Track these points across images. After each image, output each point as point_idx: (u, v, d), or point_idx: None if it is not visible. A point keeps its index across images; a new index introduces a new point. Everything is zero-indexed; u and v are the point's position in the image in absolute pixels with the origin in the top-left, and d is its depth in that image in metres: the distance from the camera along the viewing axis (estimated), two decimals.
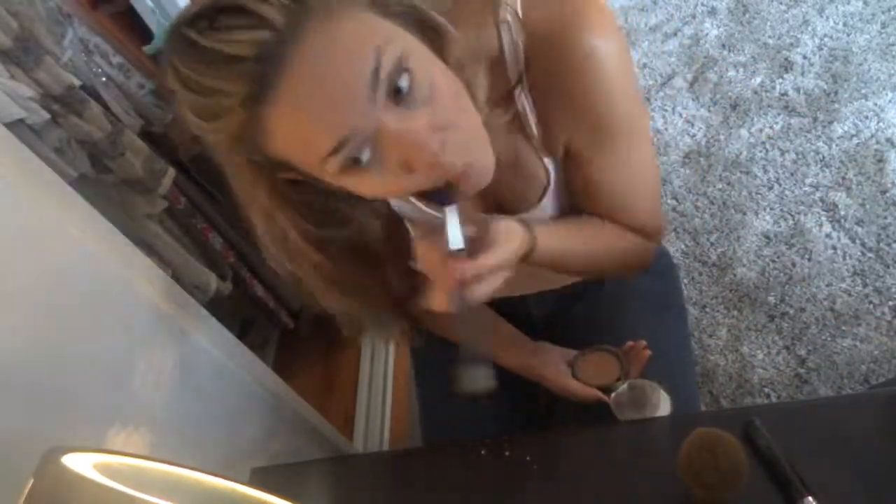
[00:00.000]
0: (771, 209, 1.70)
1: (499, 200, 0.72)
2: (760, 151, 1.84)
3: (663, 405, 0.75)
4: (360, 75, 0.45)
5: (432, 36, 0.52)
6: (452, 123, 0.51)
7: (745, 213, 1.71)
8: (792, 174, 1.75)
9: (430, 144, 0.49)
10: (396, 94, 0.47)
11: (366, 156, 0.48)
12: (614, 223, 0.73)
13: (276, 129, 0.47)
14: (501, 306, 0.88)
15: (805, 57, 2.02)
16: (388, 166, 0.50)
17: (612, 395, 0.76)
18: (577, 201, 0.73)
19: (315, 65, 0.44)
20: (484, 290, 0.57)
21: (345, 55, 0.45)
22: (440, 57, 0.52)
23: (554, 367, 0.82)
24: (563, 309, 0.94)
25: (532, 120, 0.64)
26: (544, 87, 0.62)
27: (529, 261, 0.64)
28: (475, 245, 0.57)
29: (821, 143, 1.79)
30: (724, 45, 2.17)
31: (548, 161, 0.68)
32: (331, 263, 0.65)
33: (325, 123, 0.46)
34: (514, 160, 0.67)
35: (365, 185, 0.52)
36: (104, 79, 1.27)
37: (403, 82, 0.47)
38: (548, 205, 0.72)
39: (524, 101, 0.63)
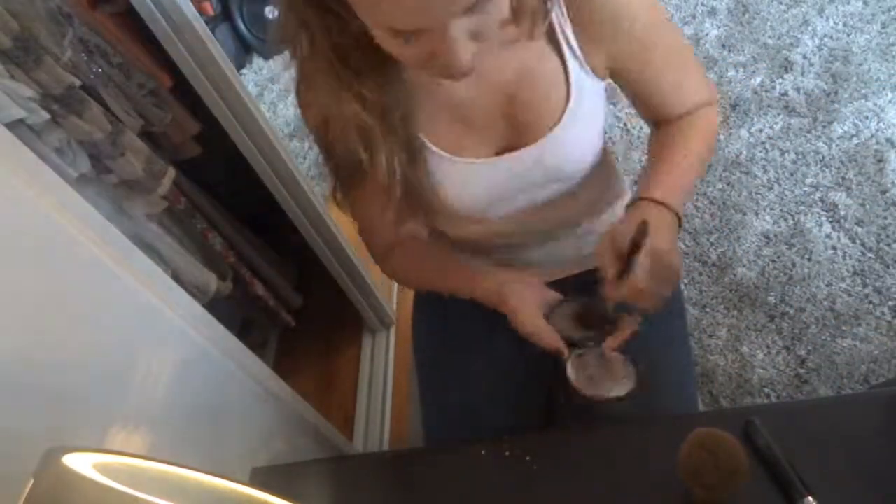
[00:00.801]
0: (771, 209, 1.70)
1: (512, 125, 0.73)
2: (760, 151, 1.84)
3: (622, 386, 0.69)
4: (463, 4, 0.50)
5: None
6: (488, 33, 0.55)
7: (745, 213, 1.71)
8: (792, 174, 1.75)
9: (462, 55, 0.53)
10: (469, 6, 0.50)
11: (414, 28, 0.52)
12: (687, 115, 0.79)
13: None
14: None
15: (805, 57, 2.02)
16: (418, 46, 0.54)
17: (574, 352, 0.70)
18: (641, 112, 0.81)
19: None
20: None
21: None
22: None
23: (530, 300, 0.76)
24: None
25: (570, 36, 0.68)
26: (581, 19, 0.67)
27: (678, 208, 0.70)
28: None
29: (821, 143, 1.79)
30: (724, 45, 2.17)
31: (583, 80, 0.71)
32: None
33: (406, 11, 0.50)
34: (535, 75, 0.70)
35: (384, 41, 0.55)
36: (104, 79, 1.27)
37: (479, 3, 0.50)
38: (569, 125, 0.73)
39: (559, 16, 0.67)
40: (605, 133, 0.81)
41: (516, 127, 0.73)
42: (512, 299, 0.75)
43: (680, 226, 0.71)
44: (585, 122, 0.74)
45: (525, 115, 0.72)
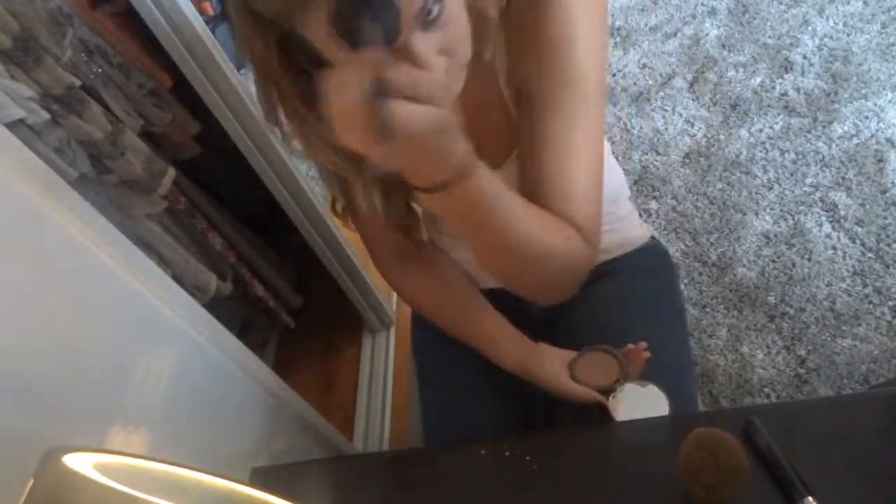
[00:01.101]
0: (771, 209, 1.70)
1: (481, 146, 0.70)
2: (760, 151, 1.84)
3: (661, 407, 0.75)
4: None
5: None
6: (456, 51, 0.53)
7: (745, 213, 1.71)
8: (792, 174, 1.75)
9: (437, 68, 0.51)
10: (425, 17, 0.49)
11: None
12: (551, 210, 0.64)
13: None
14: (500, 301, 0.88)
15: (805, 57, 2.02)
16: None
17: (611, 396, 0.76)
18: (520, 162, 0.68)
19: None
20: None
21: None
22: None
23: (551, 368, 0.82)
24: (562, 308, 0.94)
25: (501, 55, 0.65)
26: (514, 19, 0.63)
27: (463, 185, 0.53)
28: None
29: (821, 143, 1.79)
30: (724, 46, 2.17)
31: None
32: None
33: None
34: (483, 106, 0.68)
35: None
36: (104, 79, 1.27)
37: (435, 12, 0.49)
38: (513, 173, 0.69)
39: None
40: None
41: (482, 147, 0.69)
42: (539, 373, 0.81)
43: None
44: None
45: (492, 137, 0.70)
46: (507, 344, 0.84)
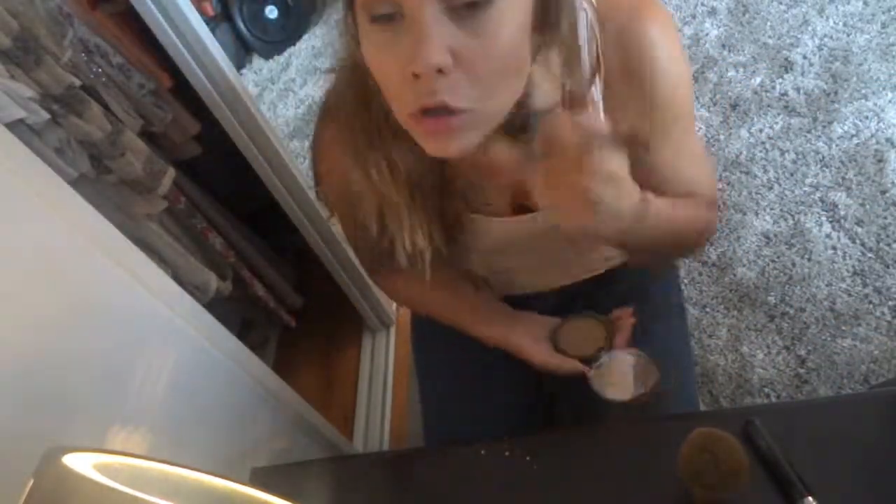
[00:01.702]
0: (771, 209, 1.70)
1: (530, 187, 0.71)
2: (760, 151, 1.84)
3: (650, 378, 0.70)
4: None
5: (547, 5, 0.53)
6: (473, 66, 0.50)
7: (745, 213, 1.71)
8: (792, 174, 1.75)
9: (432, 56, 0.48)
10: (462, 6, 0.47)
11: (387, 9, 0.48)
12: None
13: None
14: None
15: (805, 57, 2.02)
16: (394, 48, 0.50)
17: (593, 366, 0.72)
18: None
19: None
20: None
21: None
22: (538, 26, 0.52)
23: (532, 338, 0.79)
24: (564, 308, 0.94)
25: (601, 109, 0.65)
26: (611, 79, 0.63)
27: (642, 214, 0.59)
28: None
29: (821, 143, 1.79)
30: (724, 45, 2.17)
31: None
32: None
33: None
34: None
35: (369, 40, 0.52)
36: (104, 79, 1.27)
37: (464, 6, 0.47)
38: None
39: (595, 91, 0.64)
40: None
41: (531, 188, 0.71)
42: (523, 347, 0.79)
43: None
44: None
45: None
46: (487, 314, 0.83)
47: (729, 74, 2.07)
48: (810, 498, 0.58)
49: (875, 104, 1.82)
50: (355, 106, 0.62)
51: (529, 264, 0.87)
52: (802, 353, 1.43)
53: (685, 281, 1.62)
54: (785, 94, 1.95)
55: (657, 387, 0.70)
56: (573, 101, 0.59)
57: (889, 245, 1.53)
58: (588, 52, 0.61)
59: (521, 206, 0.73)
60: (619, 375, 0.72)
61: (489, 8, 0.47)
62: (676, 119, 0.67)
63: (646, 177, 0.68)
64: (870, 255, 1.53)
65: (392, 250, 0.70)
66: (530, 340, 0.79)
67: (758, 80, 2.02)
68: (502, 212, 0.73)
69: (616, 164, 0.52)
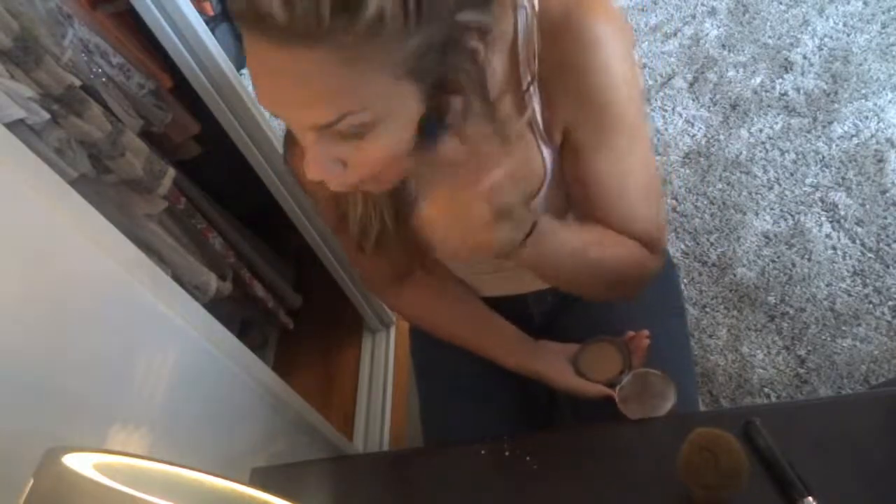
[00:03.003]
0: (771, 209, 1.70)
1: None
2: (760, 151, 1.84)
3: (670, 393, 0.72)
4: (315, 118, 0.48)
5: (445, 98, 0.52)
6: (360, 171, 0.53)
7: (745, 213, 1.71)
8: (792, 174, 1.75)
9: (313, 173, 0.52)
10: (335, 133, 0.49)
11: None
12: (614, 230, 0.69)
13: None
14: (500, 304, 0.88)
15: (805, 57, 2.02)
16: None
17: (617, 388, 0.74)
18: (572, 198, 0.71)
19: (284, 74, 0.46)
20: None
21: (312, 97, 0.47)
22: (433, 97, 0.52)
23: (555, 365, 0.81)
24: (562, 308, 0.94)
25: (538, 107, 0.64)
26: (549, 72, 0.61)
27: (529, 243, 0.58)
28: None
29: (821, 143, 1.79)
30: (724, 45, 2.17)
31: (546, 154, 0.67)
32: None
33: (271, 101, 0.50)
34: (513, 155, 0.66)
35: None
36: (104, 79, 1.27)
37: (349, 133, 0.49)
38: (539, 205, 0.71)
39: (532, 91, 0.63)
40: None
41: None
42: (543, 370, 0.81)
43: (529, 234, 0.58)
44: (556, 189, 0.71)
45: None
46: (508, 345, 0.84)
47: (729, 74, 2.07)
48: (810, 498, 0.58)
49: (875, 104, 1.82)
50: None
51: (508, 265, 0.86)
52: (802, 353, 1.43)
53: (685, 281, 1.62)
54: (785, 94, 1.95)
55: (675, 397, 0.73)
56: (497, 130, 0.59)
57: (889, 245, 1.53)
58: (526, 57, 0.60)
59: None
60: (640, 393, 0.74)
61: (367, 135, 0.50)
62: (615, 126, 0.63)
63: (581, 178, 0.67)
64: (870, 255, 1.53)
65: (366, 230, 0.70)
66: (554, 367, 0.81)
67: (758, 80, 2.02)
68: None
69: (508, 196, 0.53)
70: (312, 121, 0.48)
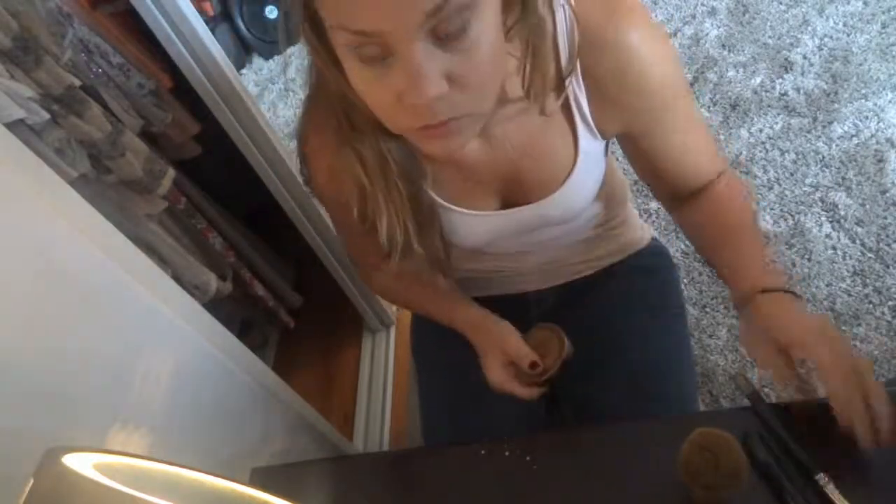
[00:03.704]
0: (771, 209, 1.70)
1: (517, 185, 0.73)
2: (760, 151, 1.84)
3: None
4: (425, 3, 0.46)
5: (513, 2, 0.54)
6: (467, 83, 0.51)
7: None
8: (792, 174, 1.75)
9: (428, 87, 0.49)
10: (441, 32, 0.47)
11: (375, 52, 0.49)
12: (711, 186, 0.76)
13: None
14: (500, 303, 0.88)
15: (805, 57, 2.02)
16: (386, 80, 0.50)
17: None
18: (639, 170, 0.78)
19: None
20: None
21: None
22: (506, 24, 0.53)
23: (491, 353, 0.81)
24: (562, 307, 0.94)
25: (584, 103, 0.66)
26: (596, 74, 0.65)
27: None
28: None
29: (821, 143, 1.79)
30: (724, 45, 2.17)
31: (584, 142, 0.69)
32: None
33: (369, 11, 0.46)
34: (543, 145, 0.69)
35: (356, 74, 0.52)
36: (104, 79, 1.27)
37: (454, 28, 0.47)
38: (572, 185, 0.72)
39: (574, 86, 0.65)
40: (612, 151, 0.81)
41: (520, 187, 0.73)
42: (480, 348, 0.82)
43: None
44: (588, 176, 0.74)
45: (529, 179, 0.72)
46: (462, 312, 0.86)
47: (729, 74, 2.07)
48: (823, 475, 0.59)
49: (875, 104, 1.82)
50: (326, 100, 0.64)
51: (520, 262, 0.87)
52: None
53: (685, 281, 1.62)
54: (785, 94, 1.95)
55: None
56: (535, 89, 0.61)
57: (889, 245, 1.53)
58: (568, 43, 0.63)
59: (507, 201, 0.74)
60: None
61: (470, 28, 0.48)
62: (668, 106, 0.69)
63: (659, 165, 0.74)
64: (870, 255, 1.53)
65: (375, 239, 0.72)
66: (489, 356, 0.81)
67: (758, 80, 2.02)
68: (485, 206, 0.74)
69: None
70: (423, 8, 0.46)
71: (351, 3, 0.46)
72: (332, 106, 0.63)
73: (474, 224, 0.75)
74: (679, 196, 0.79)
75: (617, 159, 0.86)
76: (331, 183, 0.74)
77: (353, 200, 0.70)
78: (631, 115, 0.69)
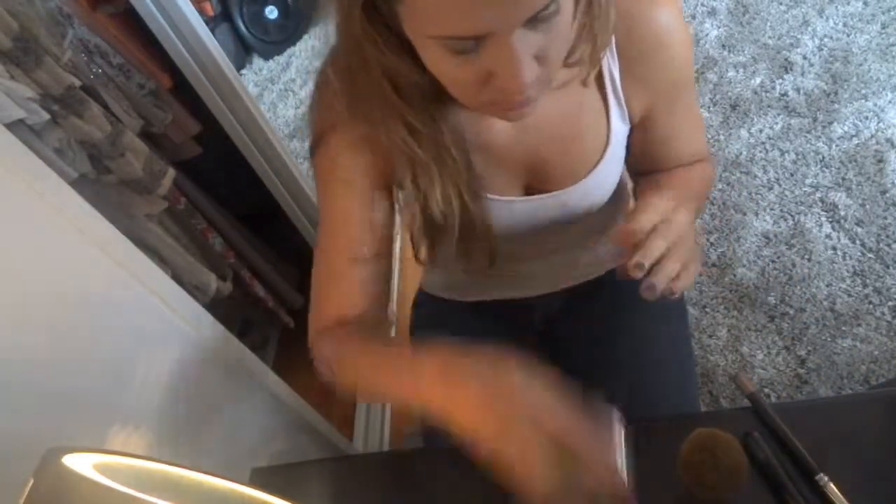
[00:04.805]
0: (771, 209, 1.70)
1: (543, 173, 0.72)
2: (760, 152, 1.84)
3: None
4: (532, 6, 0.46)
5: None
6: (552, 59, 0.52)
7: (745, 214, 1.71)
8: (792, 174, 1.75)
9: (526, 72, 0.49)
10: (538, 18, 0.48)
11: (469, 46, 0.49)
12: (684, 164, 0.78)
13: None
14: (503, 308, 0.88)
15: (805, 57, 2.02)
16: (476, 64, 0.50)
17: None
18: (654, 157, 0.77)
19: None
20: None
21: None
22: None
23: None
24: (566, 314, 0.94)
25: (617, 78, 0.68)
26: (628, 50, 0.66)
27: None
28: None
29: (821, 144, 1.79)
30: (724, 46, 2.17)
31: (615, 120, 0.70)
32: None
33: (470, 15, 0.45)
34: (577, 126, 0.69)
35: (439, 59, 0.52)
36: (104, 79, 1.27)
37: (549, 12, 0.48)
38: (598, 173, 0.72)
39: (609, 59, 0.66)
40: None
41: (546, 170, 0.71)
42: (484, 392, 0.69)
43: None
44: (613, 165, 0.73)
45: (558, 164, 0.71)
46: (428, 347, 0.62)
47: (729, 74, 2.07)
48: (823, 475, 0.59)
49: (875, 104, 1.82)
50: (366, 74, 0.59)
51: (536, 262, 0.86)
52: (802, 353, 1.43)
53: None
54: (785, 94, 1.95)
55: None
56: (583, 56, 0.61)
57: (889, 245, 1.53)
58: (609, 20, 0.62)
59: (530, 187, 0.73)
60: None
61: (560, 10, 0.49)
62: (686, 84, 0.72)
63: (658, 147, 0.75)
64: (870, 255, 1.53)
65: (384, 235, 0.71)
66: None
67: (758, 80, 2.02)
68: (508, 193, 0.73)
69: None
70: (533, 10, 0.47)
71: (449, 15, 0.46)
72: (372, 81, 0.60)
73: (495, 209, 0.73)
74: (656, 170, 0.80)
75: None
76: (351, 154, 0.68)
77: (375, 178, 0.68)
78: (652, 95, 0.70)
